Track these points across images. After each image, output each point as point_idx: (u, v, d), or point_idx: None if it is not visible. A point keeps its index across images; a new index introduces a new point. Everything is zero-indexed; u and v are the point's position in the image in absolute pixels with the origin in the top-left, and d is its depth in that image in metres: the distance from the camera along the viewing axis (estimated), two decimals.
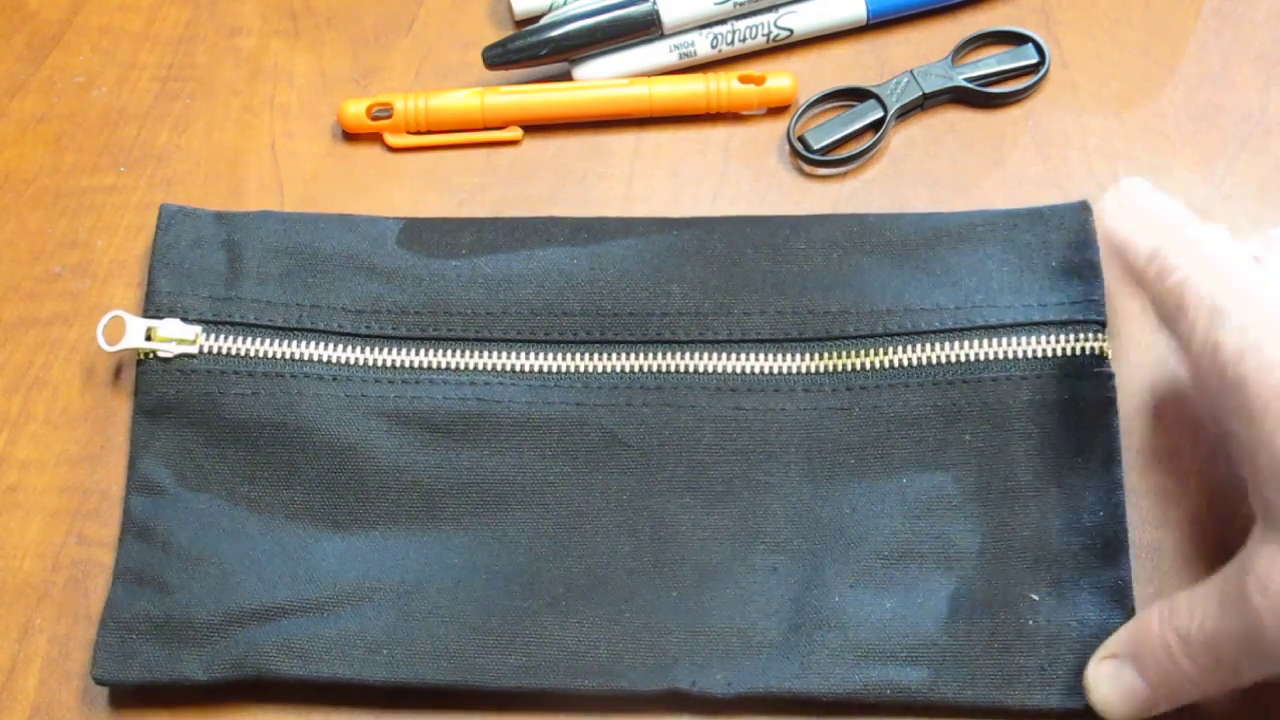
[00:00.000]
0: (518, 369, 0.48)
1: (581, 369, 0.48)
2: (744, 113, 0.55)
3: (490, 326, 0.49)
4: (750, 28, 0.55)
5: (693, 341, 0.48)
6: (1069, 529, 0.45)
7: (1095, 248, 0.48)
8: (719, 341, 0.48)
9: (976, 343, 0.47)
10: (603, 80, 0.55)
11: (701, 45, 0.55)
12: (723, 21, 0.55)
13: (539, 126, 0.55)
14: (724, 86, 0.54)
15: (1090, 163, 0.52)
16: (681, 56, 0.55)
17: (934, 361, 0.47)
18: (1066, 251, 0.48)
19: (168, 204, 0.51)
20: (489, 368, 0.48)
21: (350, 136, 0.55)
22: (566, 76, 0.55)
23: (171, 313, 0.49)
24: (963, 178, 0.52)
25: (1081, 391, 0.46)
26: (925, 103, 0.53)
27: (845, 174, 0.53)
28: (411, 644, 0.44)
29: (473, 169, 0.54)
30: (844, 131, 0.53)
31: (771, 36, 0.55)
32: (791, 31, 0.55)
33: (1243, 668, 0.38)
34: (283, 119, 0.56)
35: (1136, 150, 0.52)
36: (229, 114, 0.56)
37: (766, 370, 0.48)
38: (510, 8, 0.57)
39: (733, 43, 0.55)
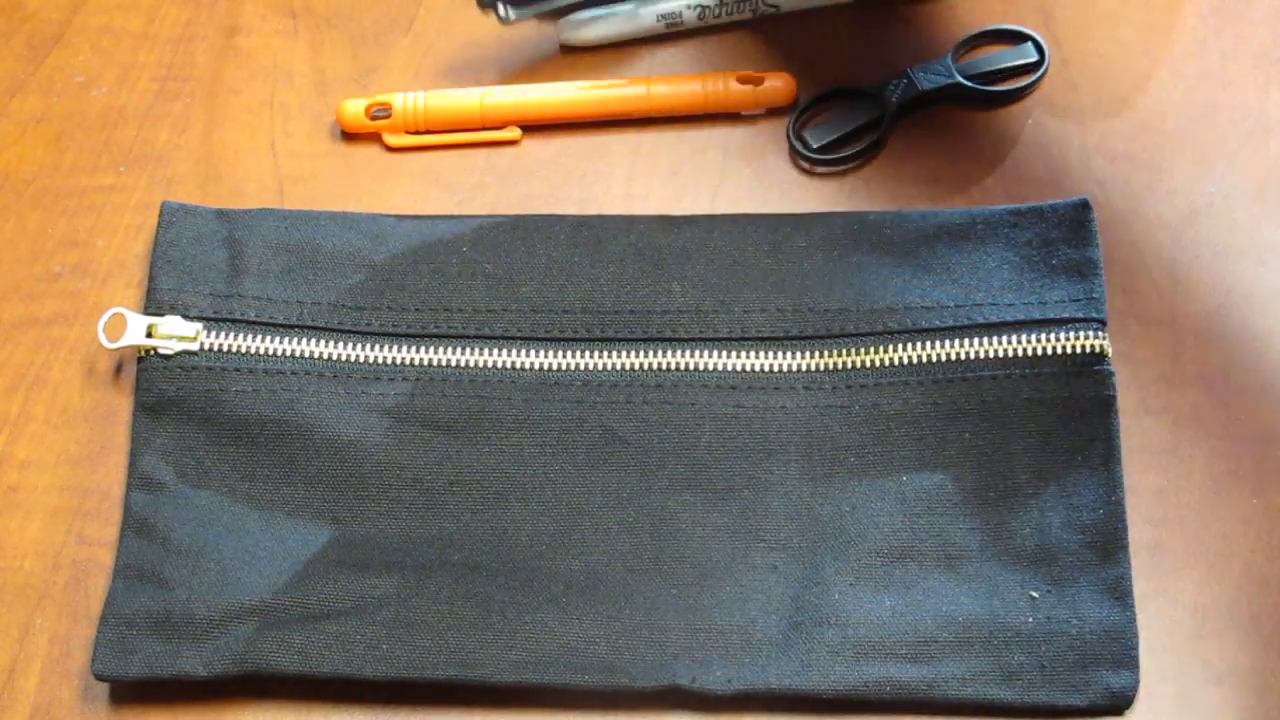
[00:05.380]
0: (518, 366, 0.48)
1: (582, 366, 0.48)
2: (743, 113, 0.55)
3: (491, 324, 0.49)
4: (738, 1, 0.55)
5: (693, 339, 0.48)
6: (1069, 527, 0.45)
7: (1095, 245, 0.48)
8: (719, 339, 0.48)
9: (976, 341, 0.47)
10: (602, 80, 0.55)
11: (688, 16, 0.55)
12: None
13: (538, 126, 0.55)
14: (723, 87, 0.54)
15: (1090, 162, 0.52)
16: (669, 26, 0.55)
17: (934, 360, 0.47)
18: (1067, 249, 0.48)
19: (169, 201, 0.51)
20: (489, 365, 0.48)
21: (349, 136, 0.55)
22: (554, 43, 0.55)
23: (172, 309, 0.49)
24: (962, 176, 0.52)
25: (1082, 390, 0.46)
26: (925, 102, 0.54)
27: (845, 173, 0.53)
28: (411, 640, 0.44)
29: (472, 169, 0.54)
30: (843, 130, 0.53)
31: (757, 11, 0.55)
32: (778, 7, 0.55)
33: None
34: (282, 119, 0.56)
35: (1136, 149, 0.52)
36: (229, 114, 0.56)
37: (767, 368, 0.48)
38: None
39: (719, 15, 0.55)
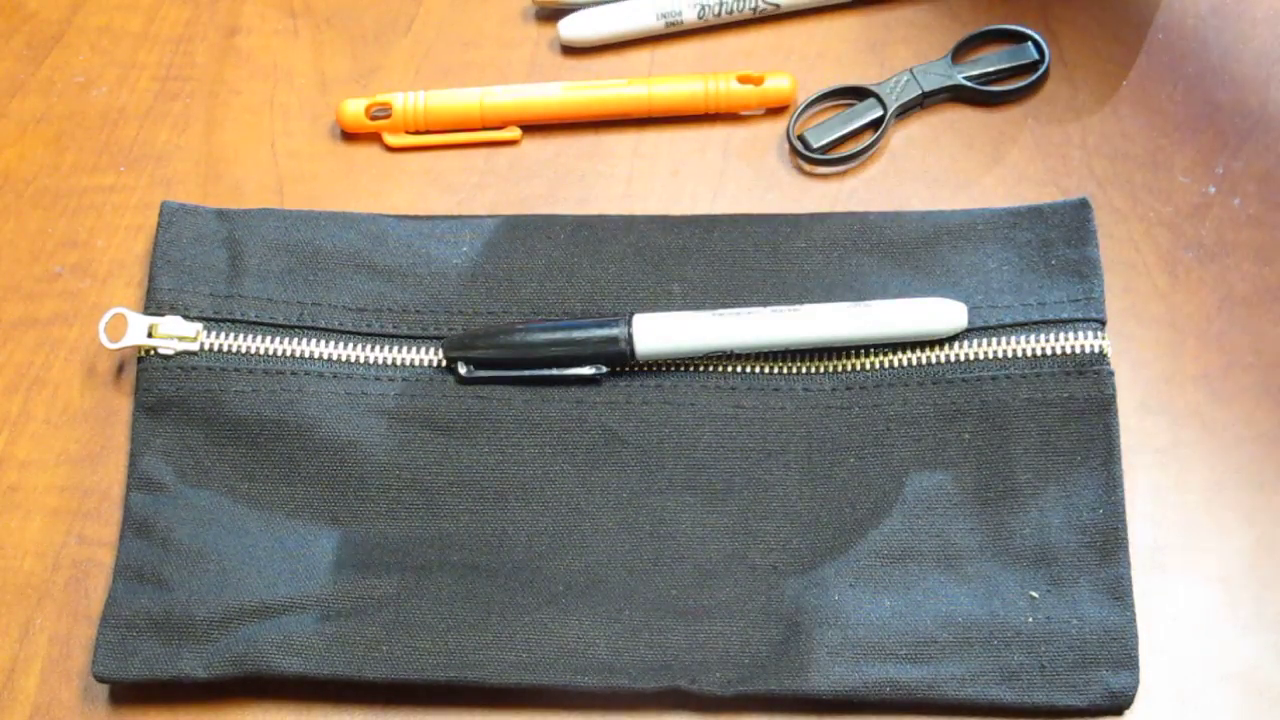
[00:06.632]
0: None
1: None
2: (743, 113, 0.55)
3: None
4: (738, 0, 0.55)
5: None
6: (1068, 527, 0.45)
7: (1095, 245, 0.48)
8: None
9: (976, 342, 0.47)
10: (602, 80, 0.55)
11: (688, 13, 0.55)
12: None
13: (538, 126, 0.55)
14: (723, 87, 0.54)
15: (1090, 161, 0.52)
16: (668, 24, 0.55)
17: (933, 361, 0.47)
18: (1066, 250, 0.48)
19: (169, 201, 0.51)
20: None
21: (349, 136, 0.55)
22: (554, 43, 0.56)
23: (173, 310, 0.49)
24: (962, 176, 0.52)
25: (1081, 390, 0.46)
26: (925, 101, 0.54)
27: (845, 173, 0.53)
28: (410, 641, 0.44)
29: (472, 169, 0.54)
30: (843, 130, 0.53)
31: (758, 9, 0.55)
32: (778, 5, 0.55)
33: None
34: (283, 119, 0.56)
35: (1136, 149, 0.52)
36: (229, 114, 0.56)
37: (766, 369, 0.48)
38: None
39: (719, 13, 0.55)
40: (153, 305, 0.49)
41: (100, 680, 0.44)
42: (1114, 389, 0.46)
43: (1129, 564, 0.44)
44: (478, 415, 0.47)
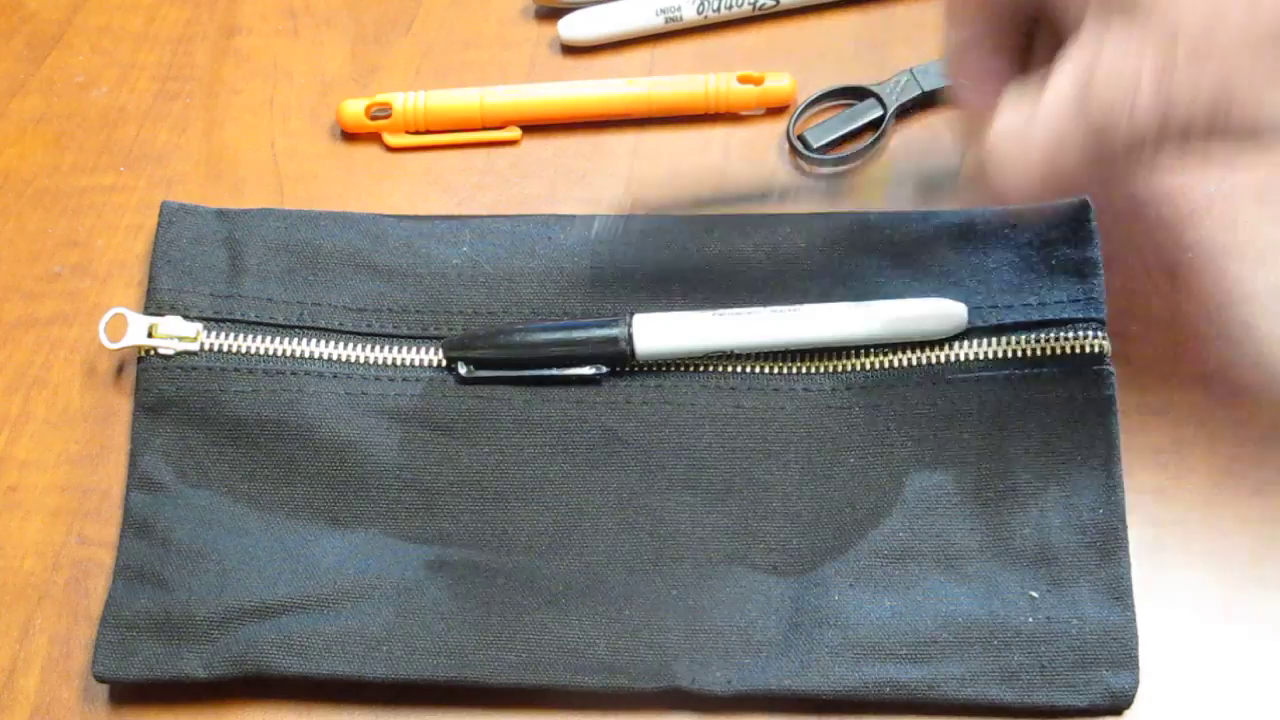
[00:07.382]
0: None
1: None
2: (743, 113, 0.55)
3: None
4: None
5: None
6: (1068, 527, 0.45)
7: (1095, 245, 0.48)
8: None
9: (976, 342, 0.47)
10: (602, 80, 0.55)
11: (688, 10, 0.55)
12: None
13: (538, 126, 0.55)
14: (723, 86, 0.54)
15: None
16: (667, 20, 0.55)
17: (933, 361, 0.47)
18: (1066, 250, 0.48)
19: (169, 201, 0.51)
20: None
21: (349, 136, 0.55)
22: (554, 43, 0.56)
23: (173, 310, 0.49)
24: (962, 176, 0.52)
25: (1081, 389, 0.46)
26: (924, 102, 0.53)
27: (845, 173, 0.53)
28: (411, 641, 0.44)
29: (472, 169, 0.54)
30: (844, 130, 0.53)
31: (758, 6, 0.55)
32: (778, 2, 0.55)
33: None
34: (282, 119, 0.56)
35: None
36: (229, 114, 0.56)
37: (766, 369, 0.48)
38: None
39: (719, 9, 0.55)
40: (153, 305, 0.49)
41: (100, 680, 0.44)
42: (1114, 389, 0.46)
43: (1129, 564, 0.44)
44: (478, 415, 0.47)
